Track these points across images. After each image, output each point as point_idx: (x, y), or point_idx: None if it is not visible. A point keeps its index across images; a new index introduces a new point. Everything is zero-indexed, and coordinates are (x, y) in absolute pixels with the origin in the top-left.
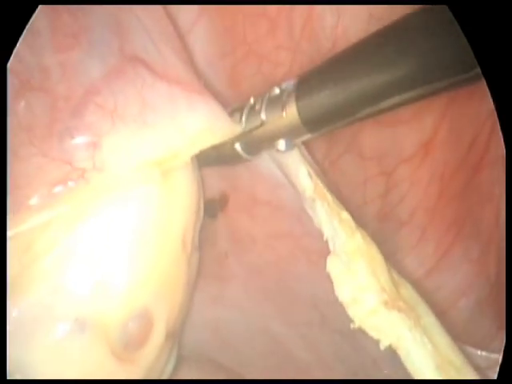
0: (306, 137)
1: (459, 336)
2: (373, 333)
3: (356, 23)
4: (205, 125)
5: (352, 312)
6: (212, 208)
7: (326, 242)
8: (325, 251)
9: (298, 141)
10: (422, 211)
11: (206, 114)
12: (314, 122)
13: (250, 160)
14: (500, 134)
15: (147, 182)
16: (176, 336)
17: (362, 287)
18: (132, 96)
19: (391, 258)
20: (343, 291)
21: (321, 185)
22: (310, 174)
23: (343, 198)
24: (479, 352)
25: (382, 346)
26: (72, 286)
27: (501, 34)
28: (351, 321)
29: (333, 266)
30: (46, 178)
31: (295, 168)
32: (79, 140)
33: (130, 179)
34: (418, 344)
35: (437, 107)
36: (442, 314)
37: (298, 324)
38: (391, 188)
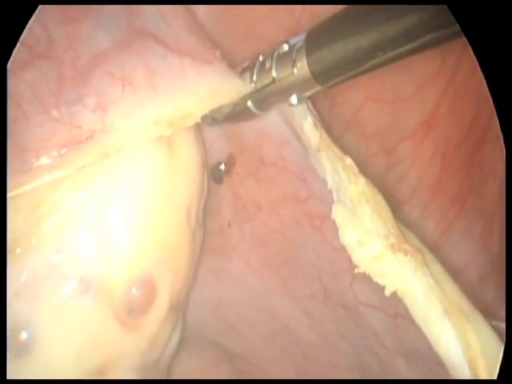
0: (317, 89)
1: None
2: (378, 278)
3: None
4: (213, 87)
5: (357, 256)
6: (218, 172)
7: (330, 204)
8: (328, 215)
9: (309, 94)
10: (423, 188)
11: (214, 79)
12: (324, 75)
13: (260, 115)
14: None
15: (156, 143)
16: (180, 310)
17: (368, 231)
18: (140, 66)
19: None
20: (348, 235)
21: (325, 135)
22: (315, 124)
23: None
24: None
25: (388, 291)
26: (78, 247)
27: (501, 33)
28: (356, 267)
29: (338, 212)
30: (56, 140)
31: (301, 119)
32: (89, 106)
33: (140, 139)
34: (425, 287)
35: (439, 84)
36: None
37: (302, 298)
38: (392, 166)
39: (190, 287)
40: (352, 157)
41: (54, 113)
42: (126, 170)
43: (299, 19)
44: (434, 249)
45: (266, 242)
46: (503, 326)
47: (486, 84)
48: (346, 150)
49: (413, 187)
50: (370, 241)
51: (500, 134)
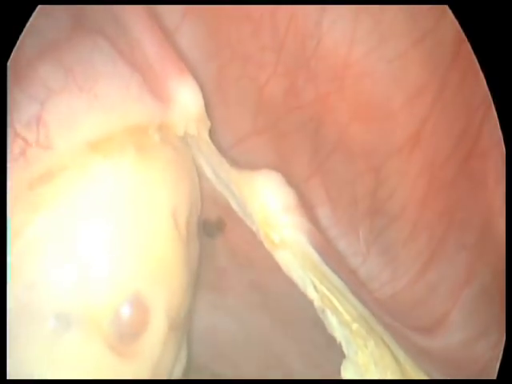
0: None
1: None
2: None
3: (342, 18)
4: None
5: None
6: (209, 228)
7: None
8: None
9: None
10: (412, 204)
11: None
12: None
13: None
14: (493, 122)
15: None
16: (183, 328)
17: None
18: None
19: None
20: None
21: (327, 293)
22: (315, 285)
23: (332, 199)
24: None
25: None
26: (48, 279)
27: (501, 33)
28: None
29: (347, 371)
30: None
31: (302, 280)
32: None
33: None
34: None
35: (426, 97)
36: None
37: (302, 341)
38: (382, 183)
39: (191, 302)
40: (341, 175)
41: None
42: (86, 184)
43: (283, 40)
44: (431, 263)
45: (262, 289)
46: None
47: (485, 84)
48: (334, 168)
49: (402, 203)
50: None
51: (492, 143)
